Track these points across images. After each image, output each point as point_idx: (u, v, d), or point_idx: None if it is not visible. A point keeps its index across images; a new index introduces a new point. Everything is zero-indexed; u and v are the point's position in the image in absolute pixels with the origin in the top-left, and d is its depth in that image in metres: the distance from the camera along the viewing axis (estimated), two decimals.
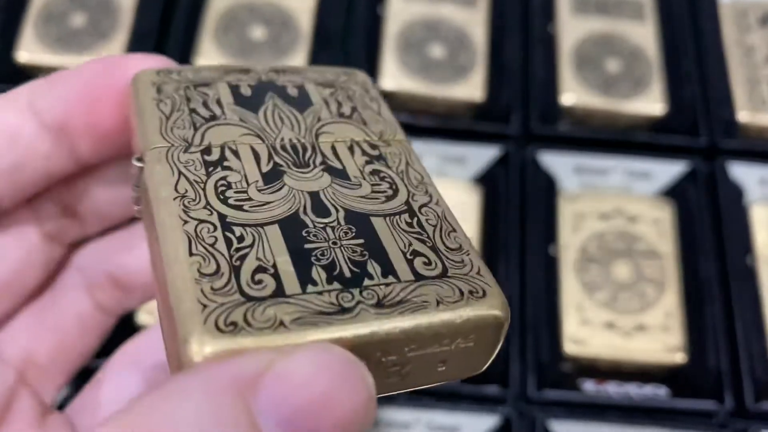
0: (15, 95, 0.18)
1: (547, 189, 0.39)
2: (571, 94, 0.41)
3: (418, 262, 0.15)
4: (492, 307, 0.15)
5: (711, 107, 0.41)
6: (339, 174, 0.17)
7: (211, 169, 0.17)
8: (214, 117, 0.18)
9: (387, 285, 0.15)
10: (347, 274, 0.15)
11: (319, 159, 0.17)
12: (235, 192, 0.16)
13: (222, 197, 0.16)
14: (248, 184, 0.16)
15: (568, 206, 0.39)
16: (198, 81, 0.19)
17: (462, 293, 0.15)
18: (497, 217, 0.38)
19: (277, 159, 0.17)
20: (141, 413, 0.11)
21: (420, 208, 0.17)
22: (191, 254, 0.15)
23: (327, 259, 0.15)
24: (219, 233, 0.15)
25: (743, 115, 0.41)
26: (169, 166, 0.17)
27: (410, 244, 0.16)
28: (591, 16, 0.44)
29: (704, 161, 0.40)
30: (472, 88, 0.41)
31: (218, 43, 0.41)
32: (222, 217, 0.16)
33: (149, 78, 0.18)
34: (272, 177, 0.17)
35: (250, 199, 0.16)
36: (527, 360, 0.35)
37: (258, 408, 0.11)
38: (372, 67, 0.41)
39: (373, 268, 0.15)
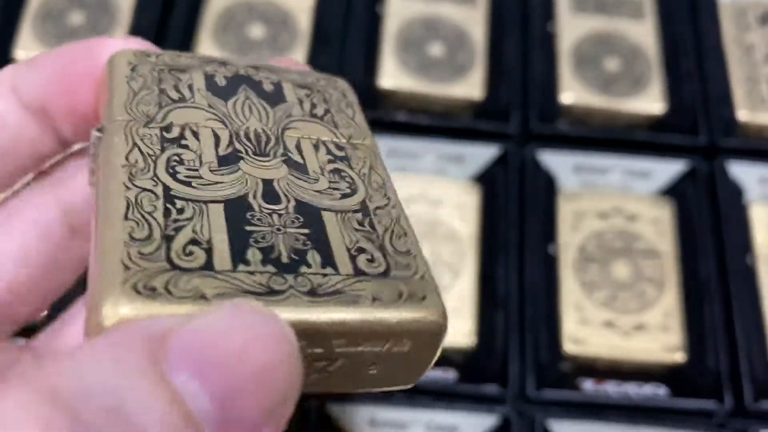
0: None
1: (546, 188, 0.39)
2: (571, 93, 0.41)
3: (361, 258, 0.15)
4: (430, 312, 0.15)
5: (710, 106, 0.41)
6: (298, 167, 0.17)
7: (166, 145, 0.16)
8: (182, 99, 0.18)
9: (324, 275, 0.14)
10: (284, 259, 0.14)
11: (280, 151, 0.17)
12: (187, 169, 0.16)
13: (171, 171, 0.16)
14: (201, 164, 0.16)
15: (568, 205, 0.39)
16: (174, 66, 0.19)
17: (401, 294, 0.15)
18: (496, 215, 0.38)
19: (237, 145, 0.17)
20: (51, 376, 0.10)
21: (375, 209, 0.16)
22: (126, 218, 0.15)
23: (267, 243, 0.15)
24: (160, 203, 0.15)
25: (743, 114, 0.41)
26: (125, 137, 0.16)
27: (357, 242, 0.15)
28: (590, 15, 0.44)
29: (704, 160, 0.40)
30: (471, 87, 0.41)
31: (217, 41, 0.41)
32: (167, 189, 0.15)
33: (126, 58, 0.18)
34: (228, 161, 0.16)
35: (200, 177, 0.16)
36: (526, 359, 0.35)
37: (169, 364, 0.10)
38: (371, 66, 0.41)
39: (313, 257, 0.15)
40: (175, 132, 0.17)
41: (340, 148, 0.18)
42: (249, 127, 0.17)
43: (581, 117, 0.42)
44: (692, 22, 0.44)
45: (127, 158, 0.16)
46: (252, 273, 0.14)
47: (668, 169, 0.40)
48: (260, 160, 0.17)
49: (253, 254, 0.14)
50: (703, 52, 0.43)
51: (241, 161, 0.16)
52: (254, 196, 0.16)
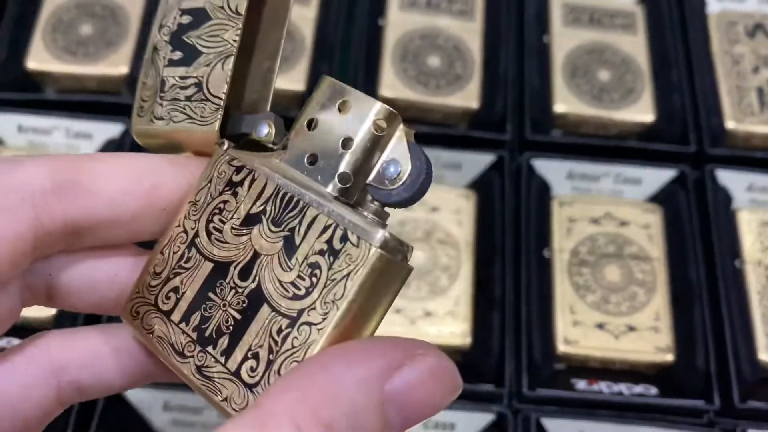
0: None
1: (540, 194, 0.41)
2: (564, 103, 0.42)
3: (248, 364, 0.17)
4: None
5: (700, 115, 0.42)
6: (289, 248, 0.17)
7: (227, 188, 0.18)
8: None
9: (215, 360, 0.17)
10: (206, 333, 0.17)
11: (293, 223, 0.17)
12: (219, 220, 0.18)
13: (209, 218, 0.18)
14: (230, 219, 0.18)
15: (561, 211, 0.40)
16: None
17: (237, 409, 0.17)
18: (492, 221, 0.39)
19: (268, 206, 0.17)
20: (303, 384, 0.15)
21: (301, 324, 0.16)
22: (161, 252, 0.18)
23: (208, 313, 0.17)
24: (184, 247, 0.18)
25: (731, 124, 0.42)
26: (209, 171, 0.18)
27: (260, 346, 0.17)
28: (583, 28, 0.45)
29: (693, 168, 0.41)
30: (468, 97, 0.42)
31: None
32: (195, 236, 0.18)
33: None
34: (249, 221, 0.17)
35: (220, 232, 0.18)
36: (521, 359, 0.36)
37: (386, 398, 0.15)
38: (371, 76, 0.43)
39: (222, 342, 0.17)
40: (242, 174, 0.18)
41: (343, 240, 0.16)
42: (295, 183, 0.17)
43: (574, 126, 0.43)
44: (682, 34, 0.45)
45: (196, 195, 0.18)
46: (183, 332, 0.18)
47: (658, 176, 0.41)
48: (270, 231, 0.17)
49: (195, 318, 0.18)
50: (692, 63, 0.44)
51: (257, 226, 0.17)
52: (235, 267, 0.17)
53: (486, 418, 0.35)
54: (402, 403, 0.15)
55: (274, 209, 0.17)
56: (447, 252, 0.38)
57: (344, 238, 0.16)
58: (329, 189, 0.17)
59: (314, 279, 0.16)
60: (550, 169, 0.41)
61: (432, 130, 0.41)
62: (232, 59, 0.19)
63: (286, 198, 0.17)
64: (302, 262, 0.17)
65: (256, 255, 0.17)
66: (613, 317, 0.37)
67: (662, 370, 0.37)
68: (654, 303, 0.37)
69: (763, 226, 0.39)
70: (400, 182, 0.17)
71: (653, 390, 0.36)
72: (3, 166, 0.17)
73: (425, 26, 0.44)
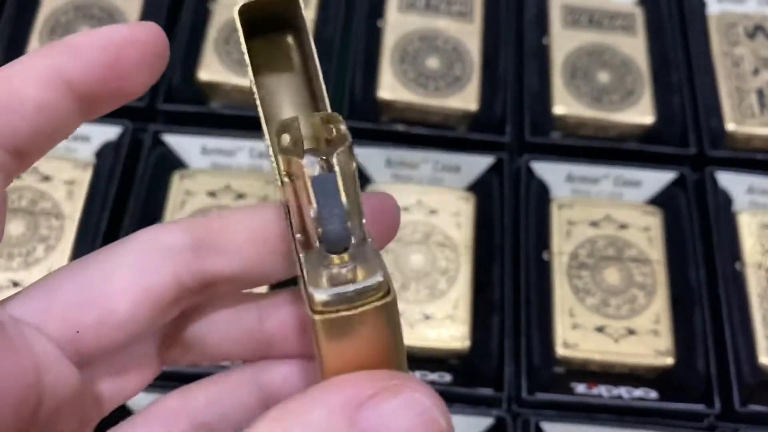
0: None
1: (539, 197, 0.40)
2: (564, 105, 0.42)
3: None
4: None
5: (700, 117, 0.42)
6: None
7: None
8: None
9: None
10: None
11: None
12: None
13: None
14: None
15: (561, 213, 0.40)
16: None
17: None
18: (491, 223, 0.39)
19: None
20: (282, 415, 0.15)
21: None
22: None
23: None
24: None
25: (731, 125, 0.42)
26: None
27: None
28: (583, 29, 0.45)
29: (693, 170, 0.41)
30: (467, 99, 0.42)
31: (220, 54, 0.43)
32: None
33: None
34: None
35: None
36: (520, 363, 0.35)
37: (357, 428, 0.15)
38: (370, 78, 0.42)
39: None
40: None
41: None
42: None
43: (574, 128, 0.43)
44: (682, 35, 0.45)
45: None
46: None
47: (658, 179, 0.41)
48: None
49: None
50: (692, 64, 0.44)
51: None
52: None
53: (485, 422, 0.35)
54: None
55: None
56: (446, 255, 0.38)
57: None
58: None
59: None
60: (550, 171, 0.41)
61: (431, 132, 0.41)
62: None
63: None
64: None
65: None
66: (612, 320, 0.37)
67: (662, 373, 0.37)
68: (654, 306, 0.37)
69: (764, 229, 0.39)
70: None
71: (653, 394, 0.36)
72: (147, 233, 0.18)
73: (424, 28, 0.44)
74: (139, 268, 0.18)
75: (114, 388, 0.19)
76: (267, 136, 0.17)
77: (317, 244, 0.16)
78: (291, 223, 0.17)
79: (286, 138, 0.16)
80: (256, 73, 0.17)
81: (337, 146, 0.16)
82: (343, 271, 0.15)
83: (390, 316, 0.16)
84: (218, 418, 0.21)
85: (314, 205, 0.15)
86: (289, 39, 0.19)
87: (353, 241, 0.16)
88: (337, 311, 0.15)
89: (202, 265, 0.18)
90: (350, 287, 0.15)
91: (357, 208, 0.16)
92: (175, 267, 0.18)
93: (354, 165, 0.16)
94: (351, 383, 0.15)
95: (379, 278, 0.15)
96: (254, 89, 0.17)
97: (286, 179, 0.16)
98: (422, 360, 0.36)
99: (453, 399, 0.35)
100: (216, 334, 0.20)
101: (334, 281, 0.15)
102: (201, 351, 0.20)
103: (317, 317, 0.15)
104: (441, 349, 0.36)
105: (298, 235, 0.16)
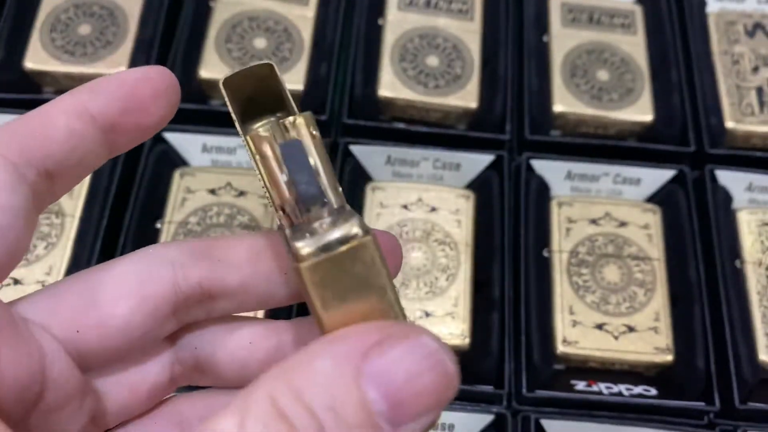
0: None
1: (539, 194, 0.41)
2: (563, 103, 0.42)
3: None
4: None
5: (699, 115, 0.42)
6: None
7: None
8: None
9: None
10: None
11: None
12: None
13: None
14: None
15: (560, 211, 0.40)
16: None
17: None
18: (491, 221, 0.39)
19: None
20: (284, 372, 0.15)
21: None
22: None
23: None
24: None
25: (731, 123, 0.42)
26: None
27: None
28: (582, 27, 0.45)
29: (692, 168, 0.41)
30: (467, 97, 0.42)
31: (220, 51, 0.43)
32: None
33: None
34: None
35: None
36: (520, 360, 0.36)
37: (366, 381, 0.15)
38: (370, 76, 0.43)
39: None
40: None
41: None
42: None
43: (573, 126, 0.43)
44: (681, 33, 0.45)
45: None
46: None
47: (658, 177, 0.41)
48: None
49: None
50: (692, 62, 0.44)
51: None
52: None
53: (485, 419, 0.35)
54: (382, 383, 0.15)
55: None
56: (446, 252, 0.38)
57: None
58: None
59: None
60: (549, 169, 0.41)
61: (431, 130, 0.41)
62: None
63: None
64: None
65: None
66: (612, 318, 0.37)
67: (662, 370, 0.37)
68: (653, 303, 0.37)
69: (763, 226, 0.39)
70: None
71: (653, 391, 0.36)
72: (152, 247, 0.19)
73: (424, 26, 0.44)
74: (140, 276, 0.19)
75: (121, 403, 0.20)
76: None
77: (296, 211, 0.17)
78: (272, 201, 0.18)
79: (254, 127, 0.18)
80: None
81: (297, 122, 0.17)
82: (323, 226, 0.16)
83: (372, 257, 0.16)
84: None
85: (285, 169, 0.17)
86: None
87: (331, 200, 0.17)
88: (321, 257, 0.16)
89: (200, 275, 0.19)
90: (329, 235, 0.16)
91: (330, 172, 0.17)
92: (175, 275, 0.19)
93: (317, 133, 0.18)
94: (354, 332, 0.16)
95: (355, 225, 0.16)
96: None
97: (257, 157, 0.17)
98: None
99: (454, 397, 0.35)
100: (224, 355, 0.20)
101: (313, 237, 0.16)
102: (212, 373, 0.21)
103: (303, 264, 0.16)
104: None
105: (279, 212, 0.17)
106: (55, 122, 0.18)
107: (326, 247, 0.16)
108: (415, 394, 0.15)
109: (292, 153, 0.17)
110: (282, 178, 0.17)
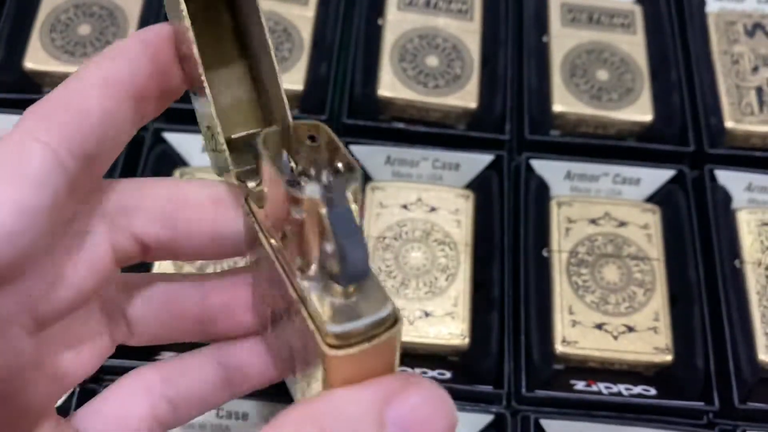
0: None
1: (539, 194, 0.41)
2: (563, 103, 0.42)
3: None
4: None
5: (699, 115, 0.42)
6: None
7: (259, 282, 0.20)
8: None
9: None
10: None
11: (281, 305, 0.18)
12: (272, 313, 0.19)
13: (272, 311, 0.19)
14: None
15: (560, 211, 0.40)
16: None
17: None
18: (491, 221, 0.39)
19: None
20: (319, 409, 0.16)
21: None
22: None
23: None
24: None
25: (730, 123, 0.42)
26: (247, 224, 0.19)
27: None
28: (582, 27, 0.45)
29: (692, 168, 0.41)
30: (466, 97, 0.42)
31: None
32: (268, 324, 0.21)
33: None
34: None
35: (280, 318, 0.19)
36: (520, 360, 0.36)
37: (388, 421, 0.16)
38: (370, 76, 0.43)
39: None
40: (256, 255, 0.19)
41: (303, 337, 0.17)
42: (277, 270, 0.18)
43: (573, 126, 0.43)
44: (681, 33, 0.45)
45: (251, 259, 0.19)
46: None
47: (657, 176, 0.41)
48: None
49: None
50: (691, 62, 0.44)
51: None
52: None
53: (484, 419, 0.35)
54: (404, 427, 0.16)
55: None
56: (445, 252, 0.38)
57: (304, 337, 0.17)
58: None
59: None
60: (549, 169, 0.41)
61: (431, 130, 0.41)
62: (208, 92, 0.17)
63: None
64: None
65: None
66: (611, 317, 0.37)
67: (661, 370, 0.37)
68: (653, 303, 0.37)
69: (763, 226, 0.39)
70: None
71: (652, 391, 0.36)
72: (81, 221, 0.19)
73: (424, 26, 0.44)
74: (79, 233, 0.19)
75: (71, 363, 0.20)
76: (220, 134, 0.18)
77: (328, 276, 0.16)
78: (269, 243, 0.17)
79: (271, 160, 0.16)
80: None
81: (347, 179, 0.16)
82: (350, 302, 0.15)
83: (398, 340, 0.17)
84: (183, 393, 0.21)
85: (332, 239, 0.15)
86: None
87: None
88: (351, 344, 0.15)
89: (131, 225, 0.19)
90: (364, 321, 0.15)
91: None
92: (110, 230, 0.19)
93: (360, 195, 0.16)
94: (377, 382, 0.17)
95: (389, 309, 0.16)
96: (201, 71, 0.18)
97: (297, 213, 0.15)
98: (422, 357, 0.37)
99: (452, 396, 0.35)
100: (153, 312, 0.21)
101: (341, 313, 0.15)
102: (144, 330, 0.21)
103: (333, 352, 0.15)
104: (441, 346, 0.36)
105: (297, 262, 0.16)
106: (88, 100, 0.17)
107: (359, 333, 0.15)
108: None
109: (345, 224, 0.15)
110: (326, 244, 0.15)
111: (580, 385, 0.36)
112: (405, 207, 0.39)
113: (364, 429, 0.16)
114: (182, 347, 0.23)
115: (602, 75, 0.43)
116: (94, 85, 0.17)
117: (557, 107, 0.42)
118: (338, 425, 0.16)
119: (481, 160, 0.41)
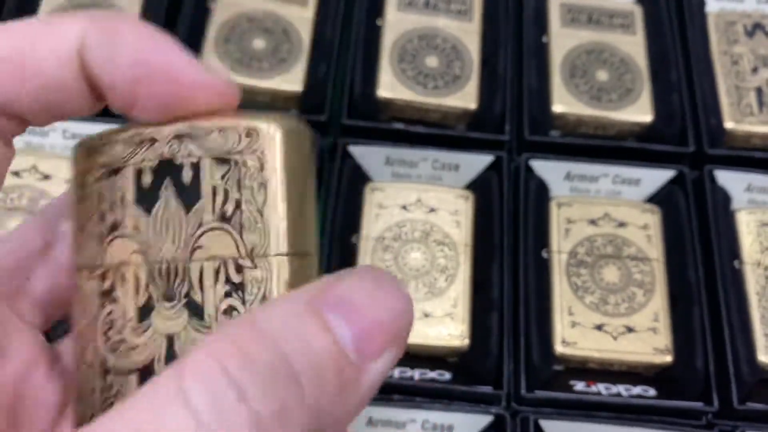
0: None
1: (538, 195, 0.41)
2: (563, 103, 0.42)
3: None
4: None
5: (699, 116, 0.42)
6: (196, 312, 0.17)
7: (104, 301, 0.18)
8: (115, 226, 0.18)
9: None
10: None
11: (185, 289, 0.17)
12: (115, 332, 0.18)
13: (106, 336, 0.18)
14: (125, 322, 0.17)
15: (560, 212, 0.40)
16: (111, 164, 0.18)
17: None
18: (491, 222, 0.39)
19: (151, 288, 0.17)
20: (243, 328, 0.14)
21: None
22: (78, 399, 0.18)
23: None
24: (99, 378, 0.18)
25: (730, 124, 0.42)
26: (80, 294, 0.18)
27: None
28: (582, 28, 0.45)
29: (692, 168, 0.41)
30: (466, 97, 0.42)
31: (219, 52, 0.43)
32: (103, 362, 0.18)
33: (77, 169, 0.19)
34: (143, 314, 0.17)
35: (124, 341, 0.17)
36: (519, 361, 0.36)
37: (326, 307, 0.15)
38: (369, 77, 0.43)
39: None
40: (109, 280, 0.18)
41: (239, 269, 0.16)
42: (163, 256, 0.17)
43: (573, 126, 0.43)
44: (681, 34, 0.45)
45: (80, 330, 0.18)
46: None
47: (657, 177, 0.41)
48: (166, 309, 0.17)
49: None
50: (691, 63, 0.44)
51: (153, 313, 0.17)
52: (158, 361, 0.17)
53: (484, 419, 0.35)
54: (343, 308, 0.15)
55: (159, 288, 0.17)
56: (445, 253, 0.38)
57: (238, 268, 0.16)
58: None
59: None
60: (549, 169, 0.41)
61: (430, 131, 0.41)
62: None
63: (163, 270, 0.17)
64: (215, 316, 0.16)
65: (170, 340, 0.17)
66: (611, 318, 0.37)
67: (661, 371, 0.37)
68: (653, 304, 0.37)
69: (763, 227, 0.39)
70: None
71: (652, 391, 0.36)
72: None
73: (423, 26, 0.44)
74: None
75: None
76: None
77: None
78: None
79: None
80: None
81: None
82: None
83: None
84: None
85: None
86: None
87: None
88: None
89: None
90: None
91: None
92: None
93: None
94: (309, 285, 0.15)
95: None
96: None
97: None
98: (421, 358, 0.37)
99: (452, 397, 0.35)
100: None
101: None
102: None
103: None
104: (440, 347, 0.36)
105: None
106: (42, 65, 0.16)
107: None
108: (378, 322, 0.15)
109: None
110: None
111: (579, 385, 0.36)
112: (404, 208, 0.39)
113: (299, 321, 0.14)
114: None
115: (602, 75, 0.43)
116: (54, 50, 0.16)
117: (557, 108, 0.42)
118: (271, 323, 0.14)
119: (481, 160, 0.41)
